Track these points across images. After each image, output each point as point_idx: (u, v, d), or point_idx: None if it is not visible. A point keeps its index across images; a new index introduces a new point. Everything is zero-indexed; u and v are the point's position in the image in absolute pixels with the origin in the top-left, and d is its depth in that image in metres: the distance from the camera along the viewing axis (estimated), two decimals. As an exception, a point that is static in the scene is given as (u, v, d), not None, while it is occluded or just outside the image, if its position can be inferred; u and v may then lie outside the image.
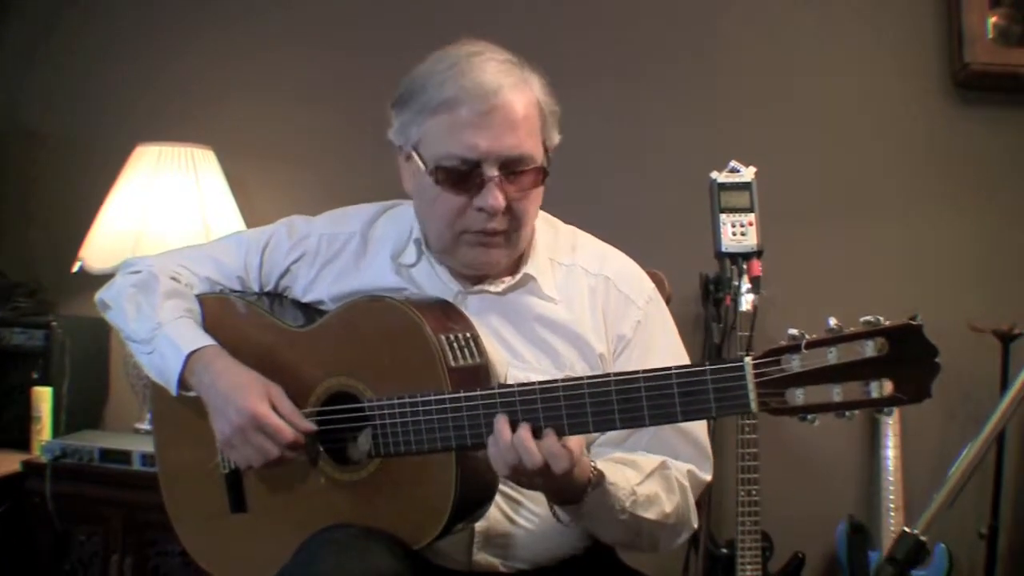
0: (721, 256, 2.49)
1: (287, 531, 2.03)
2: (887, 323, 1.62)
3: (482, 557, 2.10)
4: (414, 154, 2.07)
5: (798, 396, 1.67)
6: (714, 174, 2.51)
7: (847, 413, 1.67)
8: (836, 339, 1.65)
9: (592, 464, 1.91)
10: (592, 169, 2.26)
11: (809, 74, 3.71)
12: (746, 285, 3.27)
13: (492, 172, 2.00)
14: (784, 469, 3.57)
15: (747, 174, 2.52)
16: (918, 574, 3.40)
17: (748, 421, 3.20)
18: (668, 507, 2.05)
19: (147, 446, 3.36)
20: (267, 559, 2.05)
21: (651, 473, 2.05)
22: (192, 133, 3.77)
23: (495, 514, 2.07)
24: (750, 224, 2.49)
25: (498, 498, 2.05)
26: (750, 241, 2.48)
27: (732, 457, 3.19)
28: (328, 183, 3.81)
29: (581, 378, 1.81)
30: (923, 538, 1.64)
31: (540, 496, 2.04)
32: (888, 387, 1.63)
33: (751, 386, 1.69)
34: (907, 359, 1.61)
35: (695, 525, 2.17)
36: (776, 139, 3.59)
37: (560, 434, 1.80)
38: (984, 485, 3.43)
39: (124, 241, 3.52)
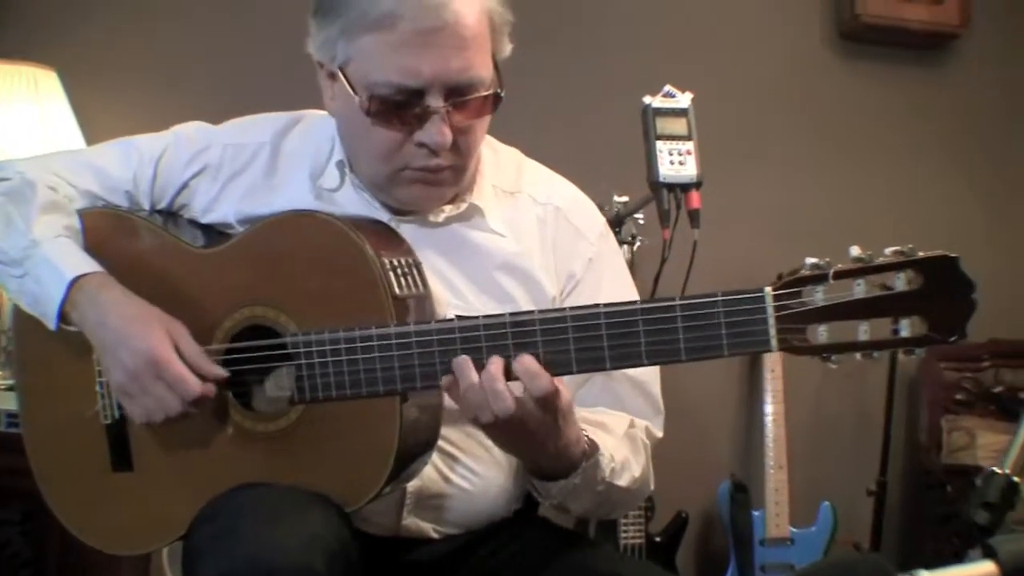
0: (658, 186, 2.16)
1: (183, 493, 1.63)
2: (921, 254, 1.39)
3: (412, 521, 1.75)
4: (341, 75, 1.67)
5: (821, 333, 1.41)
6: (647, 98, 2.19)
7: (875, 354, 1.42)
8: (866, 269, 1.40)
9: (584, 433, 1.59)
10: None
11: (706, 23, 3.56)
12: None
13: (437, 103, 1.62)
14: (664, 426, 3.33)
15: (683, 100, 2.20)
16: (804, 532, 3.24)
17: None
18: (636, 471, 1.75)
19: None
20: (157, 526, 1.69)
21: (622, 436, 1.74)
22: (33, 51, 3.23)
23: (429, 472, 1.72)
24: (688, 153, 2.17)
25: (433, 454, 1.69)
26: (689, 171, 2.16)
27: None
28: (197, 111, 3.33)
29: (563, 309, 1.47)
30: (1016, 479, 1.40)
31: (477, 451, 1.75)
32: (919, 325, 1.39)
33: (772, 321, 1.40)
34: (942, 294, 1.38)
35: (652, 488, 1.87)
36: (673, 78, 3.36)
37: None
38: (870, 443, 3.30)
39: (-49, 170, 3.00)
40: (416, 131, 1.64)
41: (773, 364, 3.34)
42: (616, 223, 2.94)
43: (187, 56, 3.44)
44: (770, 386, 3.32)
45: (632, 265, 2.93)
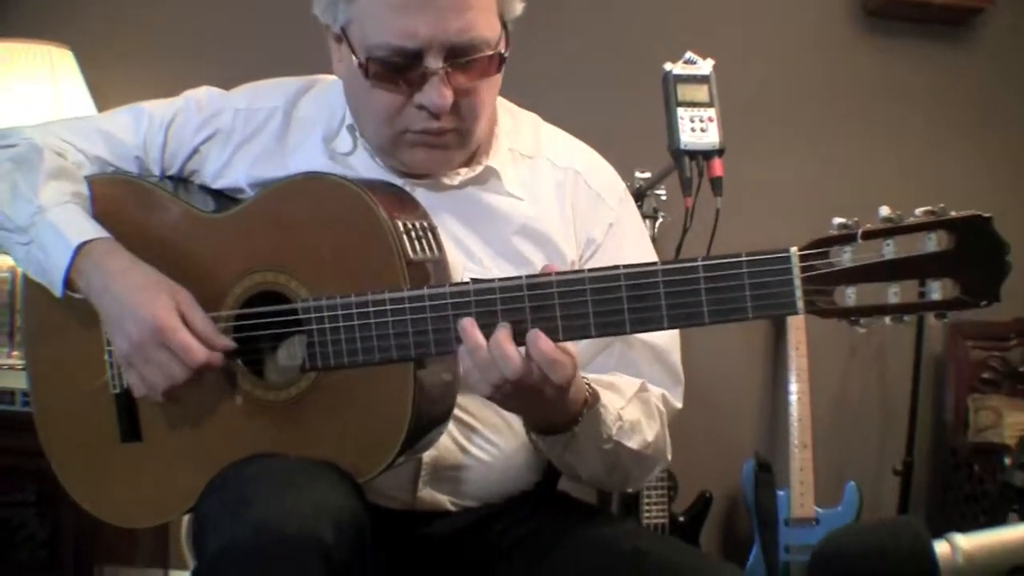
0: (679, 154, 2.09)
1: (193, 464, 1.59)
2: (953, 213, 1.31)
3: (427, 493, 1.69)
4: (344, 37, 1.62)
5: (849, 296, 1.34)
6: (668, 65, 2.13)
7: (904, 318, 1.35)
8: (896, 229, 1.33)
9: (586, 382, 1.53)
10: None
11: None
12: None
13: (436, 64, 1.56)
14: (687, 406, 3.27)
15: (705, 66, 2.13)
16: (829, 512, 3.19)
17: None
18: (649, 435, 1.68)
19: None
20: (167, 498, 1.64)
21: (632, 397, 1.67)
22: (48, 30, 3.21)
23: (446, 443, 1.66)
24: (710, 120, 2.11)
25: (450, 424, 1.64)
26: (711, 138, 2.09)
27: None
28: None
29: (581, 271, 1.41)
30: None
31: (496, 421, 1.69)
32: (951, 288, 1.31)
33: (798, 282, 1.33)
34: (974, 256, 1.30)
35: (669, 458, 1.80)
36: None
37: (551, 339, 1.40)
38: (895, 422, 3.24)
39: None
40: (416, 93, 1.59)
41: (797, 342, 3.27)
42: (637, 198, 2.87)
43: (202, 34, 3.41)
44: (794, 364, 3.26)
45: (654, 241, 2.86)
